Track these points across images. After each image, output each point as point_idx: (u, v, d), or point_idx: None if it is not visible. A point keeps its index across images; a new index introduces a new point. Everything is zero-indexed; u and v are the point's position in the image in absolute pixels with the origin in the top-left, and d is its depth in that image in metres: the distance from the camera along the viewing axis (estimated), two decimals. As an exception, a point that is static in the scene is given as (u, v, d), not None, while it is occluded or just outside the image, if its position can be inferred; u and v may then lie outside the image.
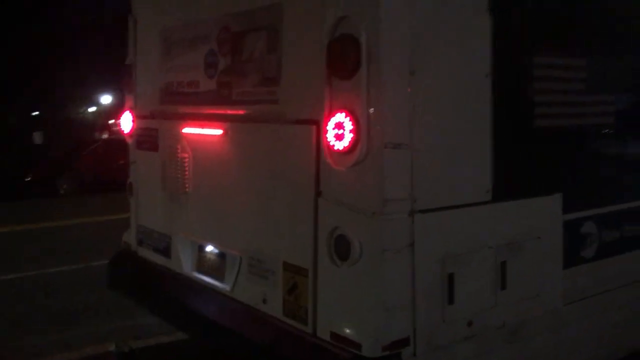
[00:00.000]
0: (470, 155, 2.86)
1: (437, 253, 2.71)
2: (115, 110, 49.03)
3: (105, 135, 28.49)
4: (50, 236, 10.49)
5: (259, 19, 3.17)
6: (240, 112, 3.33)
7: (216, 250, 3.60)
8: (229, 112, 3.40)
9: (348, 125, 2.59)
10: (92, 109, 46.54)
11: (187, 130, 3.69)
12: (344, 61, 2.59)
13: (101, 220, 11.92)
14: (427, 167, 2.66)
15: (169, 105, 3.97)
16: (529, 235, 3.08)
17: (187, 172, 3.72)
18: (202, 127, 3.57)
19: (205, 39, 3.57)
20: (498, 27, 2.86)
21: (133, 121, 4.32)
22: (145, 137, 4.16)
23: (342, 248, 2.67)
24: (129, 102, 4.37)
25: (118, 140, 21.97)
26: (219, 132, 3.41)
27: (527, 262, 3.05)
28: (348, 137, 2.59)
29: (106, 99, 45.15)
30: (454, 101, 2.80)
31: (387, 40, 2.55)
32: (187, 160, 3.72)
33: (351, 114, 2.59)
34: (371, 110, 2.55)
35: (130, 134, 4.34)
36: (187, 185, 3.73)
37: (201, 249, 3.72)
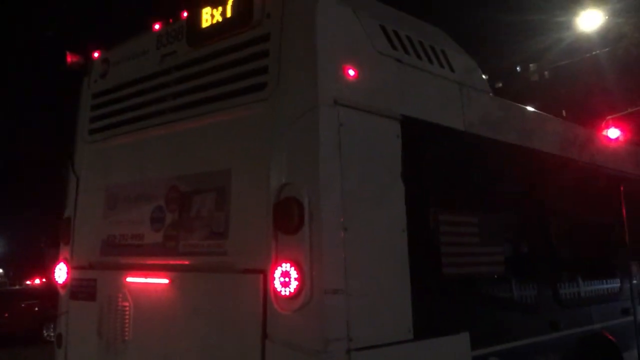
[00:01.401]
0: (394, 298, 3.33)
1: None
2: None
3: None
4: None
5: (208, 182, 3.64)
6: (187, 262, 3.66)
7: (155, 397, 3.70)
8: (176, 262, 3.72)
9: (293, 273, 3.02)
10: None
11: (130, 279, 3.93)
12: (289, 219, 3.07)
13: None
14: (359, 310, 3.09)
15: (110, 256, 4.20)
16: None
17: (127, 320, 3.89)
18: (146, 276, 3.84)
19: (153, 196, 3.96)
20: (409, 192, 3.50)
21: (68, 272, 4.47)
22: (82, 287, 4.30)
23: None
24: (65, 253, 4.55)
25: (7, 293, 20.78)
26: (165, 281, 3.69)
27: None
28: (293, 284, 3.00)
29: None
30: (378, 253, 3.32)
31: (325, 203, 3.08)
32: (127, 308, 3.90)
33: (296, 264, 3.02)
34: (313, 261, 3.01)
35: (63, 285, 4.46)
36: (126, 333, 3.88)
37: (138, 397, 3.80)
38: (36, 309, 18.02)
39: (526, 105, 5.61)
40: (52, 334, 17.33)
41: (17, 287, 27.37)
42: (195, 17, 3.77)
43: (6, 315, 17.45)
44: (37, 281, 32.25)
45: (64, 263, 4.51)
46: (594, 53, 17.42)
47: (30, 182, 31.78)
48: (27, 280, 36.03)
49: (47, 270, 32.07)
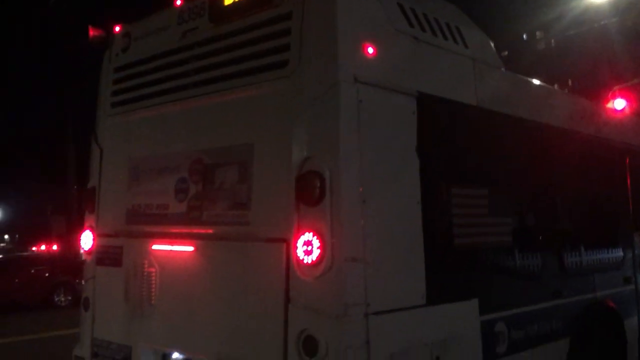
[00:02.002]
0: (408, 267, 3.53)
1: (387, 349, 3.28)
2: (3, 227, 46.77)
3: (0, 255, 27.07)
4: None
5: (231, 155, 3.80)
6: (211, 231, 3.85)
7: (181, 357, 3.93)
8: (200, 231, 3.90)
9: (315, 242, 3.20)
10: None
11: (156, 247, 4.12)
12: (311, 192, 3.25)
13: (5, 343, 11.35)
14: (376, 277, 3.29)
15: (135, 225, 4.39)
16: (455, 333, 3.73)
17: (153, 285, 4.10)
18: (172, 244, 4.03)
19: (176, 168, 4.12)
20: (423, 166, 3.66)
21: (94, 240, 4.67)
22: (108, 254, 4.51)
23: (310, 347, 3.18)
24: (90, 221, 4.74)
25: (16, 259, 21.12)
26: (190, 248, 3.89)
27: (455, 357, 3.67)
28: (316, 252, 3.19)
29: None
30: (393, 224, 3.50)
31: (345, 176, 3.25)
32: (153, 274, 4.11)
33: (318, 233, 3.21)
34: (334, 231, 3.19)
35: (90, 252, 4.67)
36: (152, 297, 4.10)
37: (165, 357, 4.03)
38: (46, 274, 18.40)
39: (532, 75, 5.71)
40: (62, 300, 17.79)
41: (26, 253, 27.76)
42: None
43: (17, 280, 17.83)
44: (43, 247, 32.72)
45: (90, 231, 4.71)
46: (602, 23, 17.34)
47: (37, 151, 32.07)
48: (32, 246, 36.56)
49: (52, 238, 32.55)
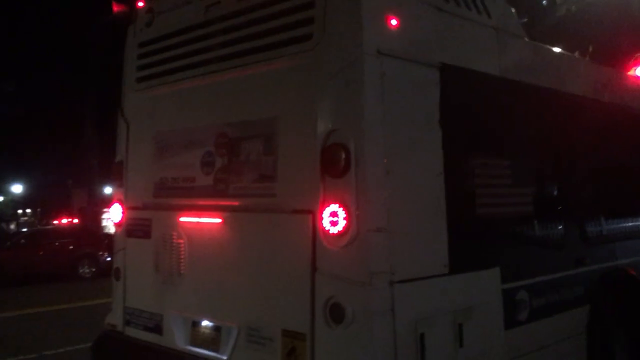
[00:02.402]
0: (431, 237, 3.60)
1: (411, 316, 3.37)
2: (24, 201, 47.63)
3: (24, 229, 27.63)
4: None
5: (256, 128, 3.87)
6: (237, 203, 3.95)
7: (211, 324, 4.07)
8: (227, 203, 4.00)
9: (341, 213, 3.28)
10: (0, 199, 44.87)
11: (183, 219, 4.24)
12: (336, 164, 3.31)
13: (33, 313, 11.71)
14: (400, 246, 3.37)
15: (163, 198, 4.50)
16: (477, 301, 3.81)
17: (182, 256, 4.23)
18: (199, 216, 4.14)
19: (202, 142, 4.21)
20: (446, 137, 3.70)
21: (123, 212, 4.80)
22: (137, 226, 4.64)
23: (337, 313, 3.28)
24: (119, 195, 4.87)
25: (40, 232, 21.58)
26: (218, 220, 4.00)
27: (477, 324, 3.76)
28: (341, 223, 3.27)
29: (17, 188, 43.77)
30: (417, 195, 3.56)
31: (370, 148, 3.31)
32: (182, 245, 4.23)
33: (343, 204, 3.28)
34: (359, 201, 3.26)
35: (119, 224, 4.81)
36: (182, 267, 4.22)
37: (195, 324, 4.17)
38: (71, 247, 18.81)
39: (553, 41, 5.66)
40: (86, 271, 18.19)
41: (49, 226, 28.30)
42: None
43: (41, 253, 18.27)
44: (64, 221, 33.30)
45: (119, 204, 4.84)
46: (625, -12, 16.92)
47: (56, 125, 32.39)
48: (54, 220, 37.21)
49: (73, 211, 33.09)
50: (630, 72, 7.76)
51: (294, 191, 3.62)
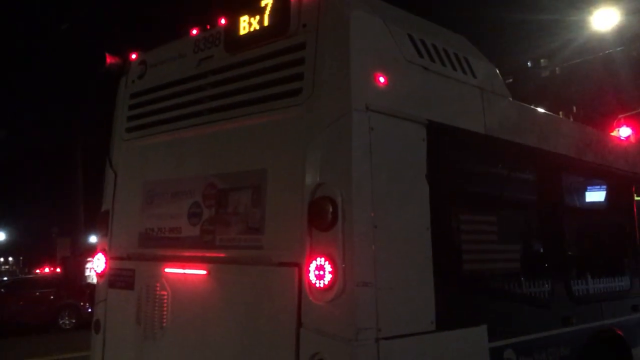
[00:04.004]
0: (418, 292, 3.57)
1: None
2: (7, 248, 46.89)
3: (4, 277, 27.14)
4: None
5: (244, 180, 3.88)
6: (224, 255, 3.91)
7: (192, 380, 3.96)
8: (213, 254, 3.96)
9: (327, 267, 3.26)
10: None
11: (168, 270, 4.18)
12: (323, 217, 3.31)
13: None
14: (387, 302, 3.33)
15: (148, 248, 4.46)
16: (464, 359, 3.75)
17: (165, 308, 4.15)
18: (184, 267, 4.09)
19: (189, 193, 4.20)
20: (433, 192, 3.73)
21: (106, 262, 4.73)
22: (120, 277, 4.56)
23: None
24: (103, 244, 4.81)
25: (21, 282, 21.15)
26: (203, 272, 3.95)
27: (465, 384, 3.69)
28: (327, 277, 3.25)
29: (-1, 236, 43.15)
30: (404, 249, 3.55)
31: (357, 202, 3.32)
32: (165, 297, 4.16)
33: (330, 258, 3.26)
34: (346, 255, 3.25)
35: (102, 274, 4.73)
36: (164, 320, 4.14)
37: (176, 380, 4.06)
38: (51, 297, 18.40)
39: (537, 102, 5.80)
40: (67, 322, 17.74)
41: (30, 275, 27.78)
42: (233, 24, 4.00)
43: (21, 303, 17.83)
44: (47, 270, 32.73)
45: (102, 254, 4.77)
46: (607, 52, 17.52)
47: (42, 173, 32.28)
48: (36, 269, 36.57)
49: (57, 260, 32.57)
50: (613, 133, 7.93)
51: (281, 244, 3.61)
